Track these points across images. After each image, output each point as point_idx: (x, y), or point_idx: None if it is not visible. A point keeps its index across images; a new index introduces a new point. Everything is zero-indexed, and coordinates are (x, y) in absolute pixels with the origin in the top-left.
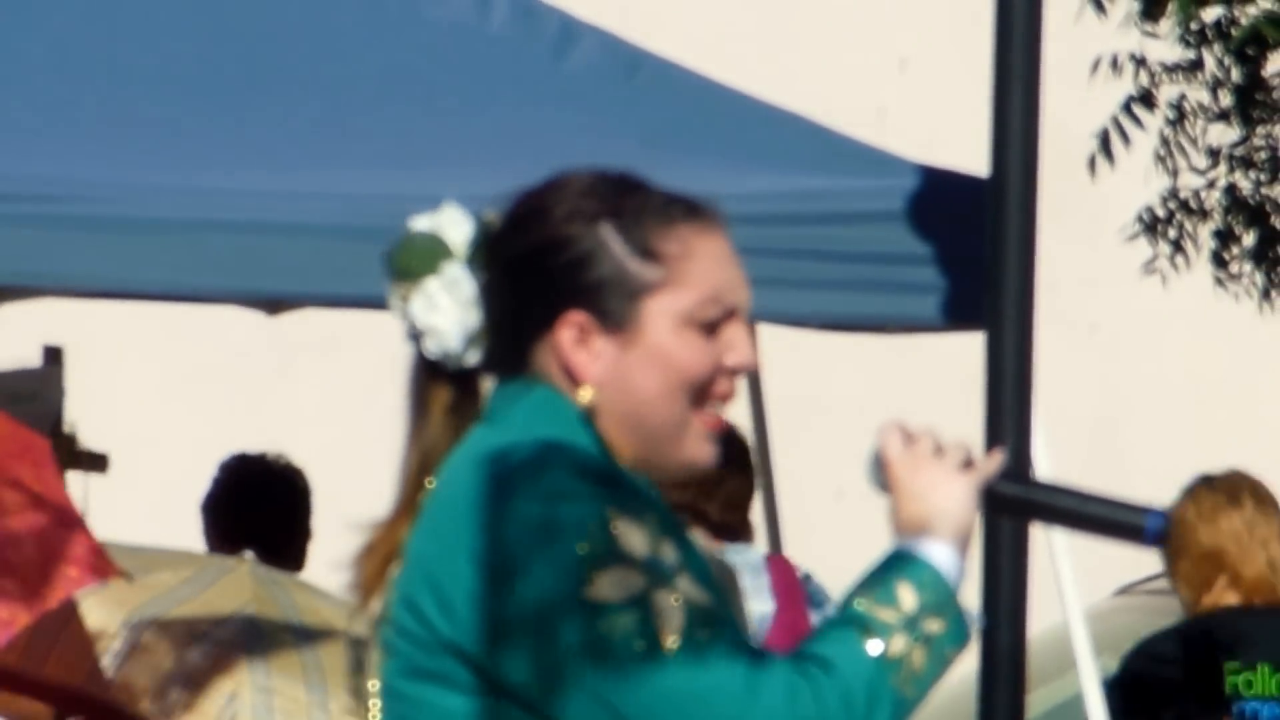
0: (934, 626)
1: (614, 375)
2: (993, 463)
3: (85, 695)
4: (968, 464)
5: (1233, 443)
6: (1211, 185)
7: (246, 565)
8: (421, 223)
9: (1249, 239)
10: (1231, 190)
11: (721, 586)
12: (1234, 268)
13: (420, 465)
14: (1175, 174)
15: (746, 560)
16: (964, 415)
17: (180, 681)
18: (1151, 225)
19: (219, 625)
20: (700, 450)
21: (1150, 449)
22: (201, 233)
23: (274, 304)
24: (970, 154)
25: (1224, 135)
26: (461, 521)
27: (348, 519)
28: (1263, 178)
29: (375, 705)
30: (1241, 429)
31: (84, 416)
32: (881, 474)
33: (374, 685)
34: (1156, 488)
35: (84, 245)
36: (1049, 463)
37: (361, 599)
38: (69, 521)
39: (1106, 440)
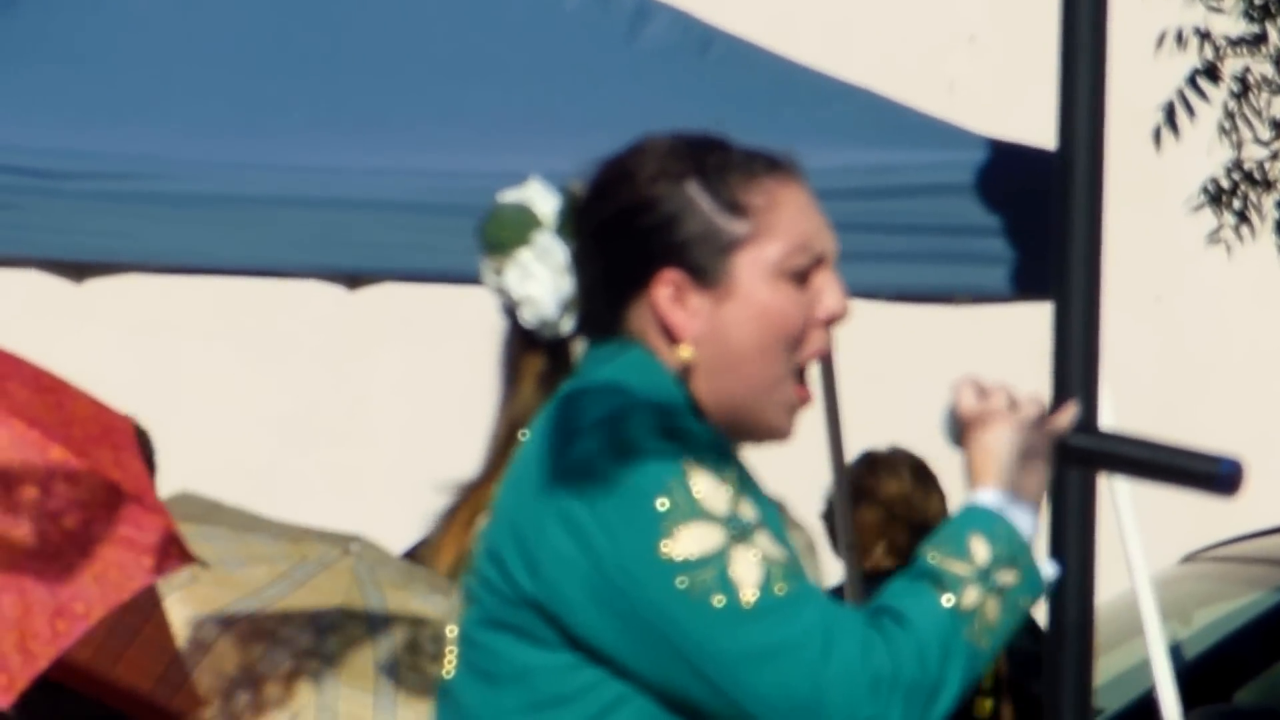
0: (1007, 578)
1: (711, 331)
2: (1065, 416)
3: (146, 700)
4: (1041, 418)
5: None
6: (1275, 156)
7: (350, 560)
8: (509, 197)
9: None
10: None
11: (796, 547)
12: None
13: (510, 430)
14: (1239, 146)
15: None
16: (1031, 386)
17: (247, 686)
18: (1216, 196)
19: (298, 632)
20: (785, 421)
21: (1215, 420)
22: (282, 208)
23: (354, 279)
24: (1038, 127)
25: None
26: (545, 476)
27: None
28: None
29: (452, 652)
30: None
31: (166, 391)
32: (957, 428)
33: (452, 632)
34: None
35: (166, 222)
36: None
37: (440, 558)
38: (148, 507)
39: (1171, 411)
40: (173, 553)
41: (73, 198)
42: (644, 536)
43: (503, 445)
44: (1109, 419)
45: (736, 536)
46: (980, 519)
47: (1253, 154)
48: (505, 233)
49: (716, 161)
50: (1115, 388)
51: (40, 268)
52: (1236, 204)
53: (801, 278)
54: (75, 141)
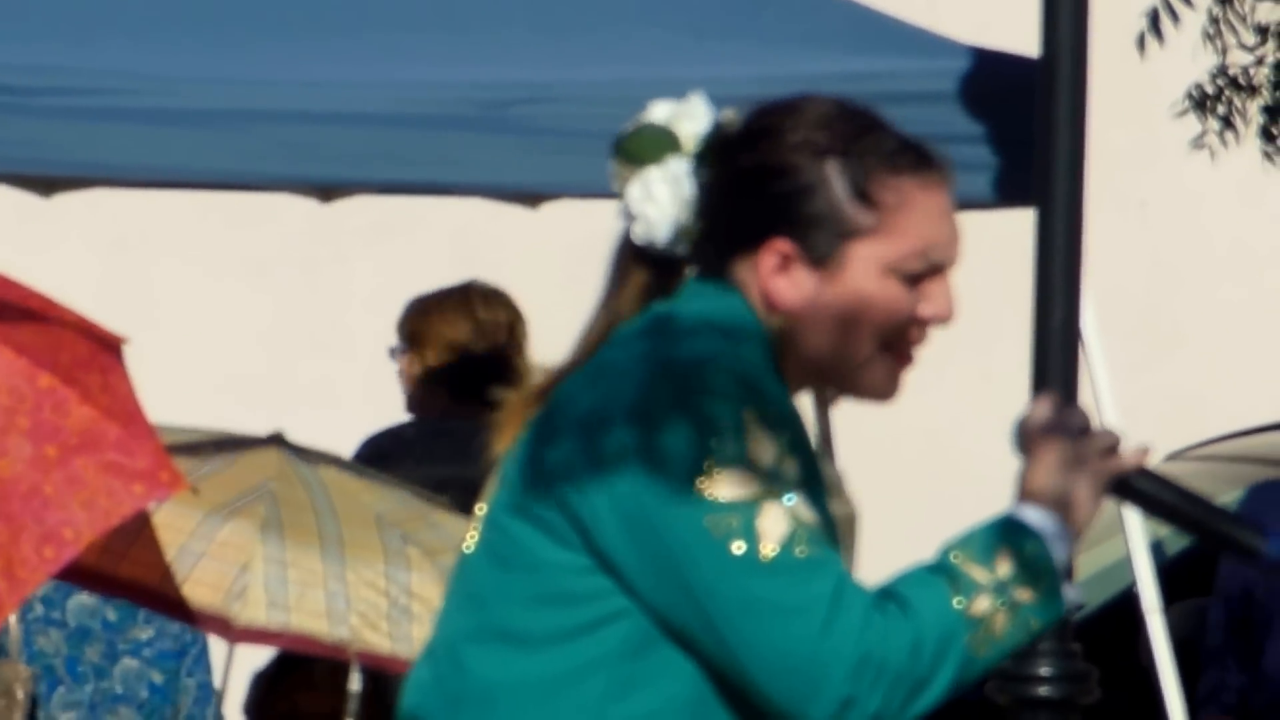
0: (1024, 596)
1: (809, 307)
2: (1135, 457)
3: (94, 571)
4: (1110, 450)
5: None
6: (1260, 62)
7: (274, 444)
8: (660, 110)
9: None
10: None
11: (837, 523)
12: None
13: (604, 328)
14: (1224, 51)
15: None
16: (1015, 291)
17: (195, 555)
18: (1200, 102)
19: (238, 498)
20: (886, 387)
21: (1199, 322)
22: (254, 122)
23: (326, 191)
24: (1022, 36)
25: (1272, 12)
26: (610, 387)
27: (400, 404)
28: None
29: (476, 528)
30: None
31: (138, 305)
32: (1024, 439)
33: (480, 510)
34: (1206, 360)
35: (136, 136)
36: (1098, 337)
37: (496, 435)
38: (136, 433)
39: (1155, 314)
40: (162, 478)
41: (41, 113)
42: (685, 469)
43: (595, 339)
44: (1092, 324)
45: (772, 491)
46: (1015, 533)
47: (1237, 59)
48: (641, 148)
49: (864, 146)
50: (1098, 293)
51: (8, 183)
52: (1221, 109)
53: (914, 280)
54: (44, 57)
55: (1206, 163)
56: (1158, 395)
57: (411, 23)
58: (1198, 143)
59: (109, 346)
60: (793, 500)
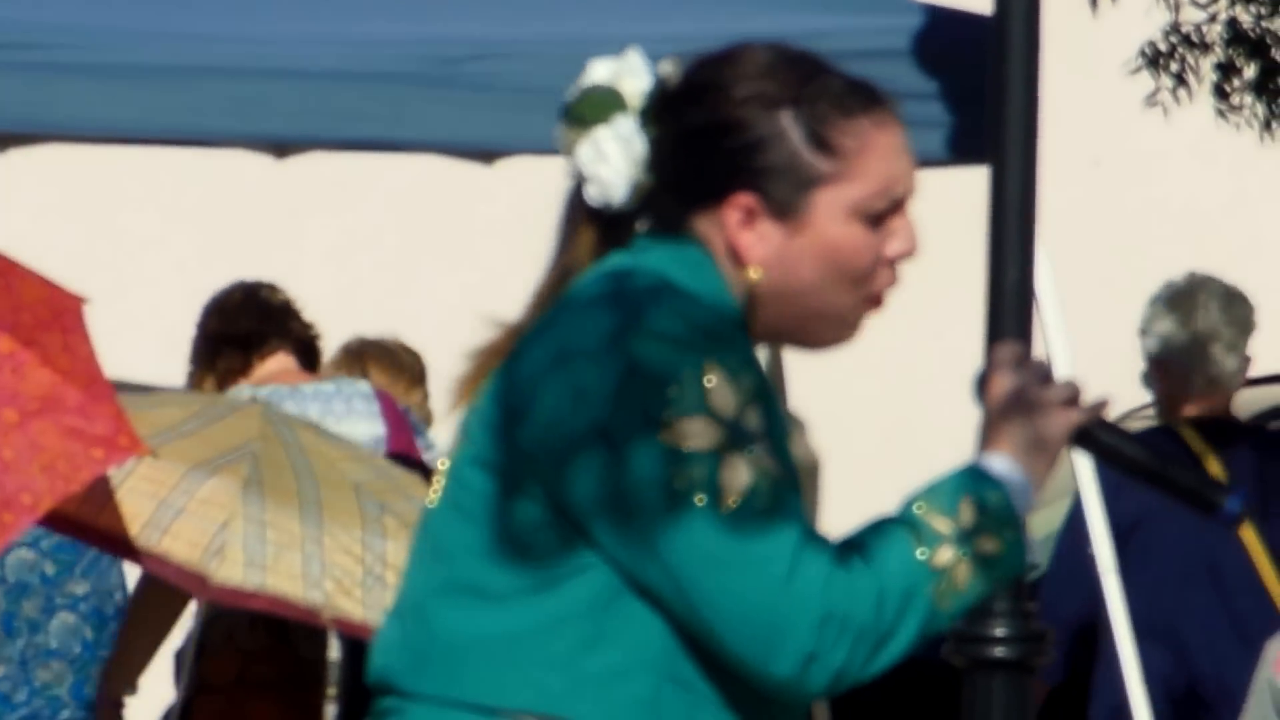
0: (988, 546)
1: (778, 259)
2: (1095, 408)
3: (75, 519)
4: (1071, 401)
5: (1235, 272)
6: (1213, 19)
7: (259, 405)
8: (601, 69)
9: (1250, 71)
10: (1233, 23)
11: (799, 471)
12: (1235, 99)
13: (558, 283)
14: (1177, 8)
15: (357, 390)
16: (969, 248)
17: (175, 510)
18: (1154, 59)
19: (221, 457)
20: (848, 333)
21: (1154, 278)
22: (209, 78)
23: (281, 148)
24: None
25: None
26: (570, 336)
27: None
28: (1263, 10)
29: (440, 483)
30: (1243, 258)
31: (89, 261)
32: (985, 389)
33: (443, 464)
34: None
35: (90, 93)
36: (1053, 295)
37: (457, 394)
38: (96, 395)
39: (1110, 271)
40: (121, 442)
41: None
42: (647, 419)
43: (548, 293)
44: (1046, 281)
45: (735, 442)
46: (979, 482)
47: (1190, 17)
48: (588, 109)
49: (814, 91)
50: (1053, 248)
51: None
52: (1174, 67)
53: (877, 219)
54: None
55: (1160, 120)
56: (1111, 353)
57: None
58: (1151, 100)
59: (69, 307)
60: (755, 451)
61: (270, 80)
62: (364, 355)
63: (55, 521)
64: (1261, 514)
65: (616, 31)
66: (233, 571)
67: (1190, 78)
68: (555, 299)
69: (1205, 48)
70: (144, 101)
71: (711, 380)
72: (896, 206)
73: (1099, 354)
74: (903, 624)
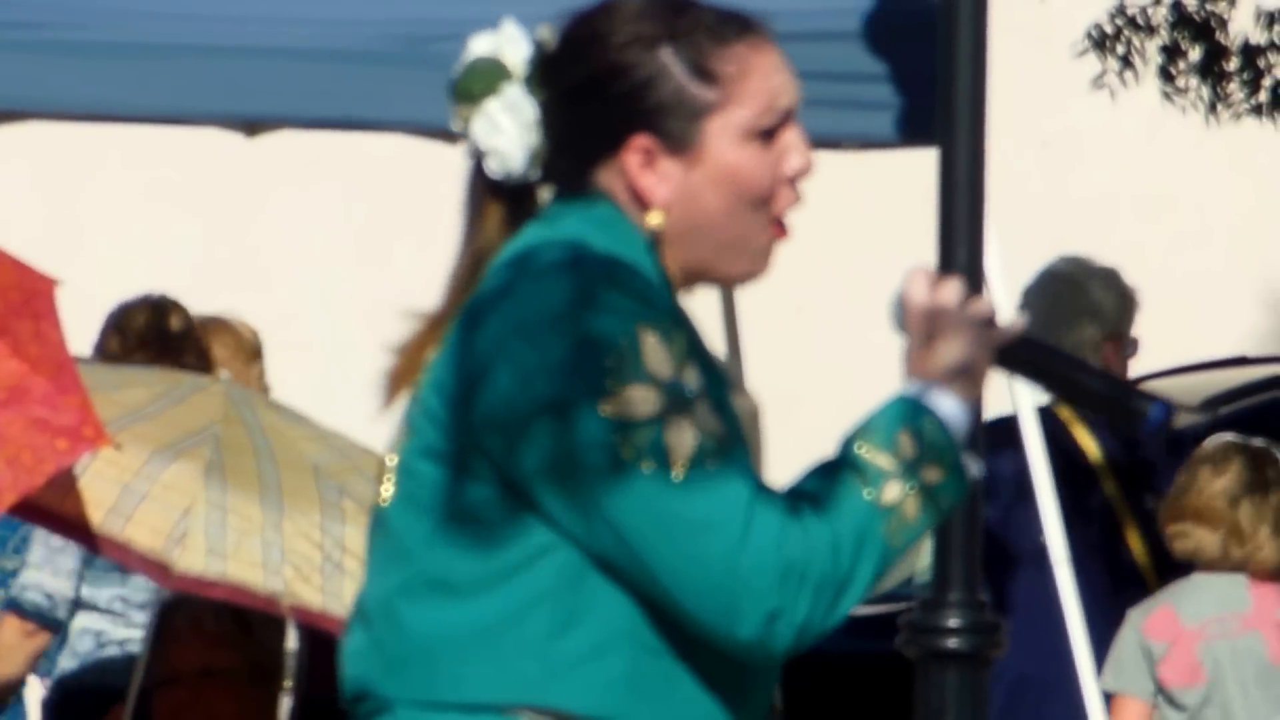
0: (931, 476)
1: (681, 195)
2: (1016, 326)
3: (40, 506)
4: (989, 320)
5: (1183, 250)
6: (1158, 1)
7: (220, 385)
8: (482, 43)
9: (1195, 54)
10: (1178, 6)
11: (740, 419)
12: (1180, 82)
13: (473, 264)
14: None
15: None
16: (919, 228)
17: (139, 495)
18: (1100, 41)
19: (184, 440)
20: (760, 264)
21: (1102, 258)
22: (182, 56)
23: (251, 126)
24: None
25: None
26: (498, 317)
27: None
28: None
29: (390, 479)
30: (1192, 241)
31: (71, 235)
32: (903, 315)
33: (391, 460)
34: None
35: (67, 69)
36: (1002, 275)
37: (389, 389)
38: (64, 386)
39: (1059, 251)
40: (86, 433)
41: None
42: (587, 390)
43: (464, 279)
44: (995, 262)
45: (677, 404)
46: (912, 413)
47: (1136, 0)
48: (474, 84)
49: (688, 25)
50: (1003, 229)
51: None
52: (1120, 49)
53: (768, 136)
54: None
55: (1107, 102)
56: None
57: None
58: (1098, 82)
59: (41, 290)
60: (697, 411)
61: (241, 58)
62: (206, 330)
63: (19, 508)
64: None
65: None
66: (195, 560)
67: (1136, 60)
68: (472, 284)
69: (1151, 30)
70: (122, 79)
71: (646, 343)
72: (784, 120)
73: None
74: (859, 568)
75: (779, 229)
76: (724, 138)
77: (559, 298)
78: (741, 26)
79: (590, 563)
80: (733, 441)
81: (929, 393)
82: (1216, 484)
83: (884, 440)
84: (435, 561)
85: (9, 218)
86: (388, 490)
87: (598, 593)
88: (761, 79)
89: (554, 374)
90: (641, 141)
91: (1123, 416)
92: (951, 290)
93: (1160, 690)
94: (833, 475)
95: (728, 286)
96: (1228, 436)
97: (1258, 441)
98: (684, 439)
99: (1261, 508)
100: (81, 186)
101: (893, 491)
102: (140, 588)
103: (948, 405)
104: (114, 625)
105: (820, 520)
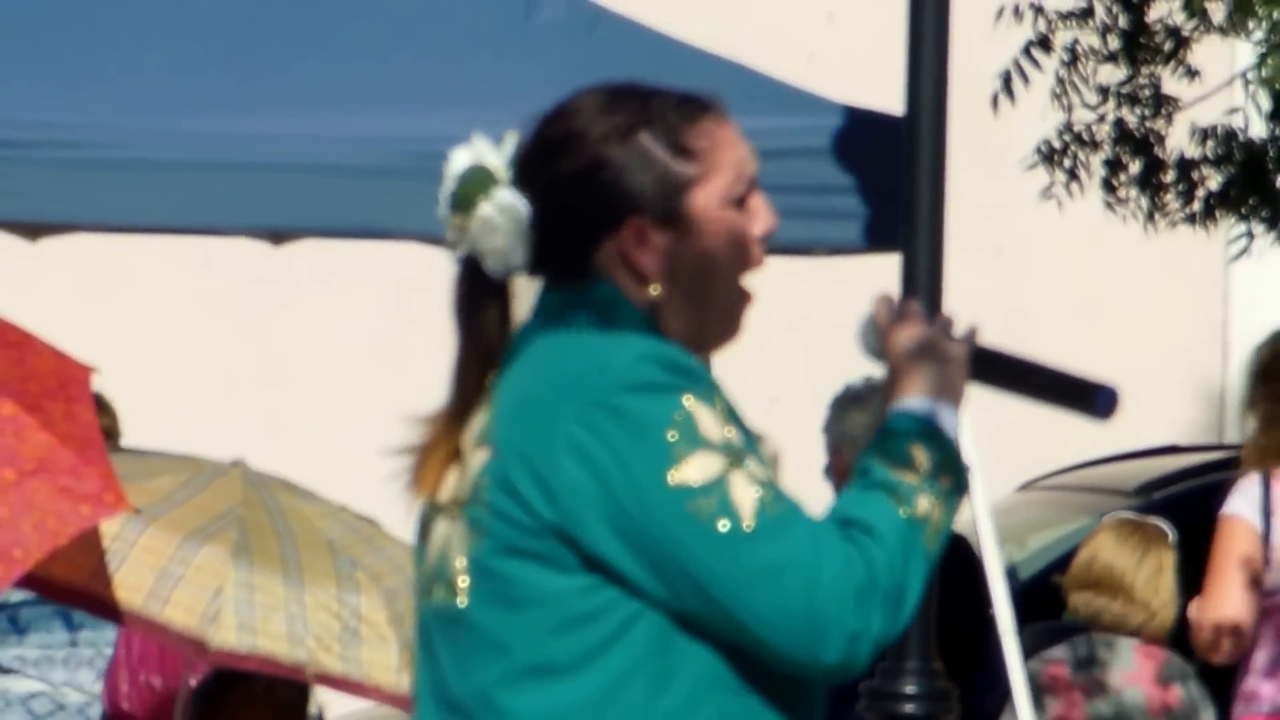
0: (947, 482)
1: (675, 265)
2: (973, 334)
3: (85, 592)
4: (950, 327)
5: (1124, 352)
6: (1102, 119)
7: (238, 470)
8: (461, 157)
9: (1135, 167)
10: (1120, 124)
11: (765, 459)
12: (1122, 193)
13: (480, 365)
14: (1070, 110)
15: None
16: None
17: (174, 578)
18: (1049, 156)
19: (211, 524)
20: (736, 329)
21: (1050, 356)
22: (214, 172)
23: (277, 235)
24: (891, 96)
25: (1112, 75)
26: (557, 414)
27: (341, 432)
28: (1146, 113)
29: (464, 581)
30: (1132, 339)
31: (110, 340)
32: (875, 338)
33: (460, 563)
34: None
35: (111, 186)
36: None
37: (420, 489)
38: (89, 458)
39: (1009, 345)
40: (107, 499)
41: (27, 164)
42: (655, 466)
43: (473, 379)
44: None
45: (732, 462)
46: (916, 427)
47: (1082, 117)
48: (468, 191)
49: (659, 109)
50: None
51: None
52: (1067, 163)
53: (741, 202)
54: (28, 113)
55: (1055, 211)
56: (1012, 427)
57: (356, 83)
58: (1046, 193)
59: (77, 376)
60: (748, 465)
61: (269, 174)
62: None
63: (68, 596)
64: None
65: None
66: (228, 636)
67: (1082, 173)
68: (482, 381)
69: (1095, 145)
70: (159, 194)
71: (695, 412)
72: (751, 186)
73: (1000, 428)
74: (911, 577)
75: (747, 297)
76: (708, 205)
77: (611, 388)
78: (702, 104)
79: (673, 623)
80: (778, 486)
81: (924, 404)
82: (1117, 556)
83: (902, 458)
84: (532, 650)
85: (55, 320)
86: (462, 593)
87: (684, 649)
88: (731, 150)
89: (623, 460)
90: (635, 223)
91: (1078, 403)
92: (915, 309)
93: None
94: (868, 499)
95: (708, 357)
96: (1125, 514)
97: (1151, 519)
98: (747, 493)
99: (1154, 578)
100: (121, 292)
101: (923, 504)
102: (36, 645)
103: (945, 416)
104: (13, 681)
105: (871, 541)
